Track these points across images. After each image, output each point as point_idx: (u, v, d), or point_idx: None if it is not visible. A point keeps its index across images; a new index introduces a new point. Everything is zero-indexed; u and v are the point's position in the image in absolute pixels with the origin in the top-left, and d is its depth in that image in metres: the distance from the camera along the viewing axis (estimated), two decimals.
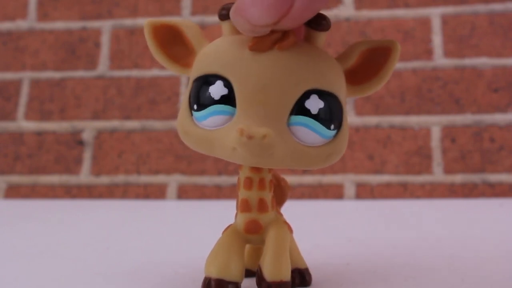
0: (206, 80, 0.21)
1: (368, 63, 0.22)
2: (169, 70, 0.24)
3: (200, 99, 0.21)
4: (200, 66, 0.22)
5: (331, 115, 0.21)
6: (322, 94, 0.21)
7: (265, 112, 0.20)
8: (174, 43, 0.23)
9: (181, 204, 0.64)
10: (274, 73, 0.20)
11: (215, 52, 0.22)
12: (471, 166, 0.63)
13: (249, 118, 0.20)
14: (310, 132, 0.21)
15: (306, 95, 0.21)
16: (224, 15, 0.22)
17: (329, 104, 0.21)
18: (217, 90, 0.21)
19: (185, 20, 0.24)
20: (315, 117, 0.21)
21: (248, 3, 0.19)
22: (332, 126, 0.21)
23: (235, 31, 0.22)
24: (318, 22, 0.21)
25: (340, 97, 0.21)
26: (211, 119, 0.21)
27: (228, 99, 0.21)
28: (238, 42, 0.22)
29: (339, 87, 0.21)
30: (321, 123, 0.21)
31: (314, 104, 0.21)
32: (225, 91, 0.21)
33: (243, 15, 0.20)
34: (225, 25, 0.22)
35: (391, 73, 0.22)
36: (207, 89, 0.21)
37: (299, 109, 0.21)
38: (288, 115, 0.21)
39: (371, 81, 0.22)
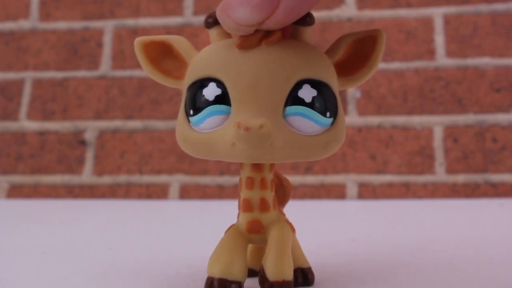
0: (199, 85, 0.22)
1: (356, 54, 0.23)
2: (162, 83, 0.24)
3: (195, 104, 0.22)
4: (192, 73, 0.22)
5: (326, 103, 0.21)
6: (314, 83, 0.21)
7: (259, 106, 0.21)
8: (165, 57, 0.24)
9: (183, 204, 0.64)
10: (265, 68, 0.21)
11: (205, 58, 0.22)
12: (473, 166, 0.63)
13: (245, 114, 0.20)
14: (306, 121, 0.21)
15: (299, 85, 0.21)
16: (210, 23, 0.23)
17: (322, 92, 0.21)
18: (210, 91, 0.21)
19: (174, 35, 0.24)
20: (310, 105, 0.21)
21: (235, 2, 0.20)
22: (328, 114, 0.21)
23: (222, 37, 0.23)
24: (302, 19, 0.22)
25: (331, 86, 0.22)
26: (208, 121, 0.21)
27: (223, 99, 0.21)
28: (227, 44, 0.22)
29: (329, 76, 0.22)
30: (316, 111, 0.21)
31: (308, 93, 0.21)
32: (218, 91, 0.21)
33: (229, 13, 0.20)
34: (212, 32, 0.23)
35: (379, 61, 0.23)
36: (201, 93, 0.21)
37: (293, 99, 0.21)
38: (283, 106, 0.21)
39: (361, 70, 0.23)
